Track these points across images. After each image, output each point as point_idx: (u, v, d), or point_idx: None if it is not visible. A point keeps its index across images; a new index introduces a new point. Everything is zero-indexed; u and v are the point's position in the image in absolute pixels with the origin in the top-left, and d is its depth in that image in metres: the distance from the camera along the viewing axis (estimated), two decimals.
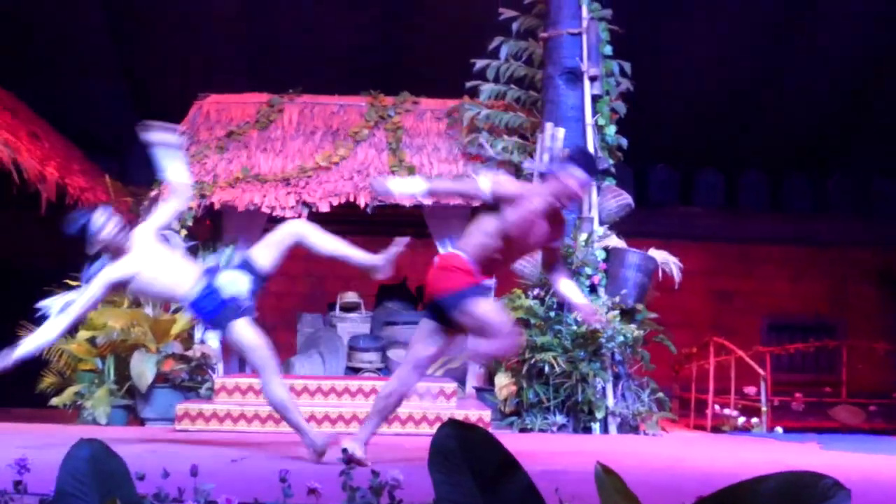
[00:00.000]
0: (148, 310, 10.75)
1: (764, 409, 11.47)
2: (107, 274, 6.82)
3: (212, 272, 6.80)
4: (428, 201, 6.32)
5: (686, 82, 16.27)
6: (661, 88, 15.65)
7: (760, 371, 11.55)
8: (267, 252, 6.85)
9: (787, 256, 17.07)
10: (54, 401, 10.41)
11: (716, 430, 11.50)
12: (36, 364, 10.67)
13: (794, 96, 16.58)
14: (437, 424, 2.81)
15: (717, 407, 11.75)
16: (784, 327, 16.70)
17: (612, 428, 9.97)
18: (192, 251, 11.55)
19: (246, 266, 6.83)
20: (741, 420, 11.56)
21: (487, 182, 6.06)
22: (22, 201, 11.52)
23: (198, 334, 11.19)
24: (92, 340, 10.64)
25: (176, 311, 10.92)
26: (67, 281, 10.78)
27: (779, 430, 11.31)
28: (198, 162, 11.73)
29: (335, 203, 11.16)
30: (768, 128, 16.95)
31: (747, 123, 17.03)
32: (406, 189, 6.30)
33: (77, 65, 15.70)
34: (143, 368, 10.06)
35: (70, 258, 10.97)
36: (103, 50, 15.82)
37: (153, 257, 6.86)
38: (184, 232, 10.99)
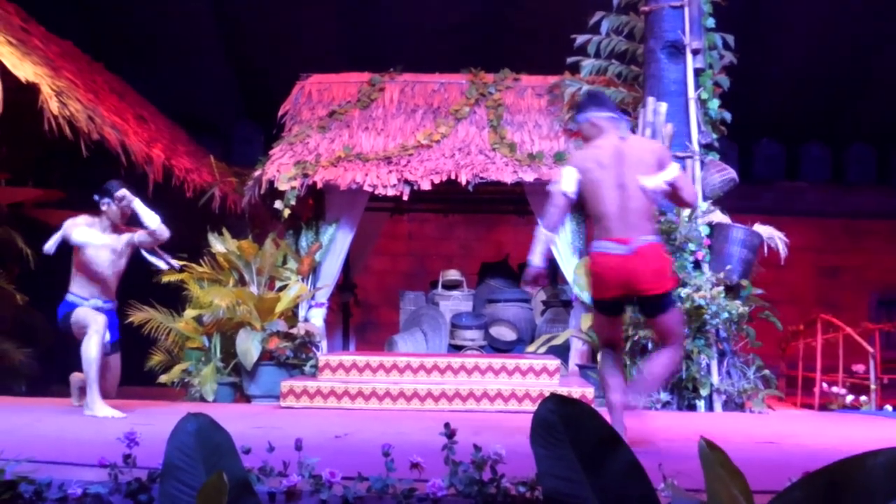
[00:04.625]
0: (253, 288, 10.89)
1: (873, 386, 11.25)
2: None
3: None
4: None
5: (791, 55, 16.00)
6: (765, 62, 15.40)
7: (869, 348, 11.34)
8: None
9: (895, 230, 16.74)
10: (162, 378, 10.60)
11: (823, 408, 11.33)
12: (145, 342, 10.91)
13: None
14: (540, 401, 2.80)
15: (824, 385, 11.57)
16: (893, 303, 16.38)
17: (718, 405, 9.86)
18: (296, 230, 11.68)
19: None
20: (850, 398, 11.36)
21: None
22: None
23: (302, 312, 11.30)
24: (199, 319, 10.81)
25: (280, 289, 11.04)
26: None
27: (888, 408, 11.09)
28: (300, 142, 11.82)
29: (436, 181, 11.17)
30: (875, 100, 16.59)
31: (854, 96, 16.70)
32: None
33: (182, 48, 15.91)
34: (249, 346, 10.19)
35: (177, 239, 11.16)
36: (207, 33, 16.02)
37: None
38: (287, 212, 11.08)
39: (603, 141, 6.22)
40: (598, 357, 6.40)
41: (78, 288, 8.12)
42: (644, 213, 6.04)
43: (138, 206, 8.19)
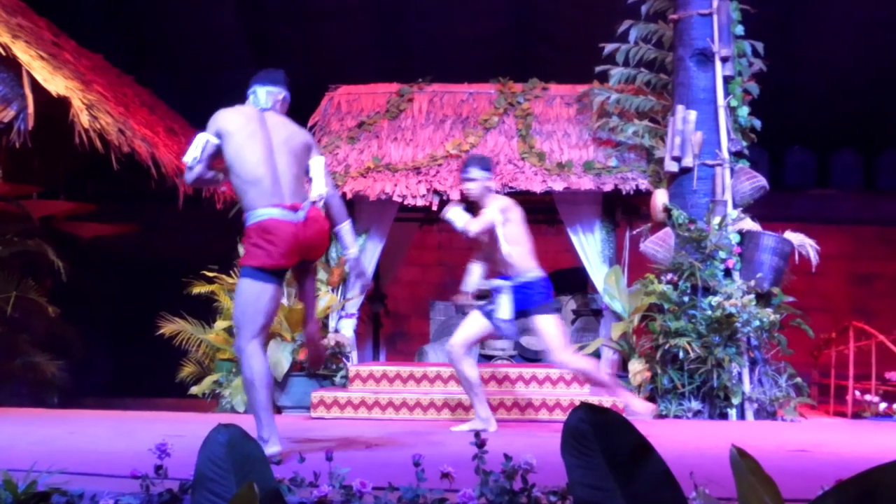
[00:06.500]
0: (283, 299, 10.91)
1: None
2: None
3: None
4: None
5: (822, 62, 15.91)
6: (796, 69, 15.34)
7: None
8: None
9: None
10: (194, 390, 10.64)
11: (856, 416, 11.25)
12: (176, 354, 10.96)
13: None
14: (570, 410, 2.80)
15: (857, 393, 11.47)
16: None
17: (749, 414, 9.82)
18: None
19: None
20: (883, 406, 11.27)
21: None
22: (160, 195, 11.78)
23: (332, 323, 11.32)
24: (229, 330, 10.84)
25: None
26: (205, 272, 11.03)
27: None
28: (330, 153, 11.85)
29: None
30: None
31: (886, 103, 16.58)
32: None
33: (211, 60, 15.98)
34: (279, 357, 10.22)
35: (207, 251, 11.20)
36: (236, 45, 16.08)
37: None
38: None
39: (247, 108, 6.26)
40: (254, 355, 5.78)
41: None
42: (301, 179, 6.10)
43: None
